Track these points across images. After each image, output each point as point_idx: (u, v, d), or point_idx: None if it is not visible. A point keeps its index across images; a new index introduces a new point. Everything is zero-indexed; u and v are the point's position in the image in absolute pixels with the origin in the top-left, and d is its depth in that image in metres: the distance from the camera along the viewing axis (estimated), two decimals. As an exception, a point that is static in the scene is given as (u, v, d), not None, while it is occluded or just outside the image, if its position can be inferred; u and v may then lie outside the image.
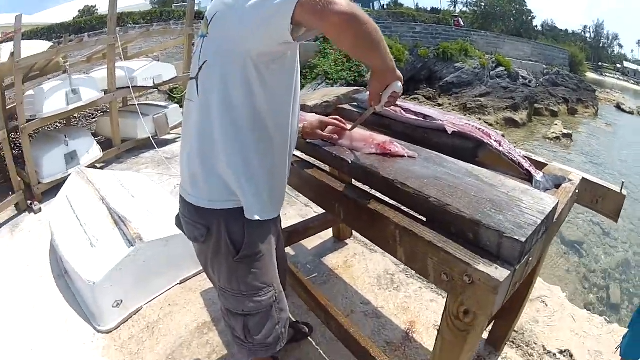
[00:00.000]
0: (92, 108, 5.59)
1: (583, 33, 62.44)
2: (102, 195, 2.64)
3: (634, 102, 21.77)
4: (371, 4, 19.85)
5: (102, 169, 4.58)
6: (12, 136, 4.57)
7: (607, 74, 48.41)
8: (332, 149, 1.27)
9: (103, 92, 4.40)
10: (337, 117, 1.34)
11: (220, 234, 1.03)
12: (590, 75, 34.92)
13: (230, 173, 0.98)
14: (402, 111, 1.54)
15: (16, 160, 4.41)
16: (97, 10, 18.07)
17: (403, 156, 1.15)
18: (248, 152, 0.98)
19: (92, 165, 4.43)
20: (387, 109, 1.59)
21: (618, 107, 19.36)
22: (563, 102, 15.02)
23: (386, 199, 1.07)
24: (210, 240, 1.06)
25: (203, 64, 0.95)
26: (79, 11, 18.66)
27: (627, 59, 67.82)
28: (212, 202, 1.02)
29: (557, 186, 1.14)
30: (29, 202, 3.87)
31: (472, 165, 1.09)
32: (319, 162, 1.38)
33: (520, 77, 15.94)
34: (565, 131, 10.71)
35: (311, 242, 2.60)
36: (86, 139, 4.55)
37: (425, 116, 1.48)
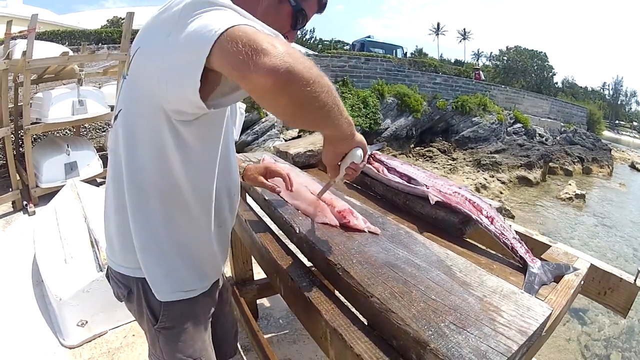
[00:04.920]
0: (101, 122, 5.62)
1: (602, 90, 62.66)
2: (85, 214, 2.65)
3: (649, 161, 21.43)
4: (394, 51, 19.72)
5: (101, 185, 4.52)
6: (20, 133, 4.61)
7: (624, 132, 48.45)
8: (285, 211, 1.08)
9: (110, 108, 4.41)
10: (288, 174, 1.14)
11: (141, 299, 0.89)
12: (607, 133, 34.94)
13: (138, 246, 0.83)
14: (386, 170, 1.38)
15: (20, 159, 4.42)
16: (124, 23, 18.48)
17: (363, 231, 0.96)
18: (155, 225, 0.81)
19: (92, 179, 4.38)
20: (369, 166, 1.45)
21: (633, 166, 19.17)
22: (578, 161, 14.79)
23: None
24: (133, 301, 0.92)
25: (118, 113, 0.77)
26: (107, 20, 18.48)
27: (643, 116, 67.63)
28: (127, 269, 0.88)
29: (558, 278, 0.94)
30: (25, 203, 3.87)
31: (447, 252, 0.89)
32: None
33: (537, 135, 15.87)
34: (578, 191, 10.39)
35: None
36: (88, 152, 4.54)
37: (409, 179, 1.31)
